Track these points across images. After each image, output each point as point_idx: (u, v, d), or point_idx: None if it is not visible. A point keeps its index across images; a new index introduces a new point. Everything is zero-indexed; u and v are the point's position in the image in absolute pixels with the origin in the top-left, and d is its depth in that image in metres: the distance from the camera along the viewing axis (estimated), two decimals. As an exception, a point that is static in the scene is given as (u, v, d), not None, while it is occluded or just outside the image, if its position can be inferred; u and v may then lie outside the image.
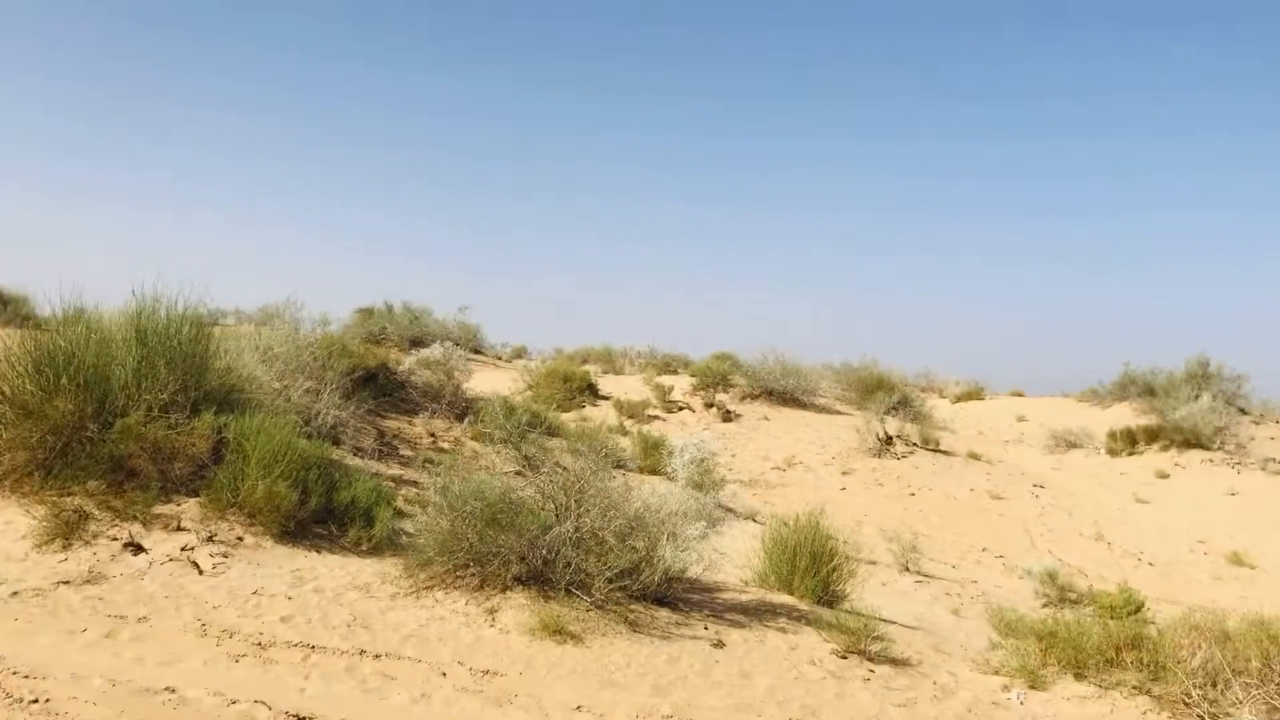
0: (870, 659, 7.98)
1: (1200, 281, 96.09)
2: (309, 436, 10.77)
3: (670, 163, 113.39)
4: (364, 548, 9.23)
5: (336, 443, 13.19)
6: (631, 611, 8.15)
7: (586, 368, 31.02)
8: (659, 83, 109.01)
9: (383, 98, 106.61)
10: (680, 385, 28.10)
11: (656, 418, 24.98)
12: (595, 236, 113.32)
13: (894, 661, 8.10)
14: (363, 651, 6.82)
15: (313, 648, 6.78)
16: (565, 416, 21.62)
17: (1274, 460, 24.95)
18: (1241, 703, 6.68)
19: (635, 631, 7.86)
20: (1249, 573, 16.95)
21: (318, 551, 9.02)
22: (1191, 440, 25.73)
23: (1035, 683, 7.74)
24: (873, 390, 27.64)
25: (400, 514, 10.47)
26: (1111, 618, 10.16)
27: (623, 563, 8.15)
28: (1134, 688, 7.41)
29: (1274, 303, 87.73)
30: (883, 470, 21.94)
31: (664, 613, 8.42)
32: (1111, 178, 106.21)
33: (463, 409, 17.52)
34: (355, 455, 13.49)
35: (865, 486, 20.88)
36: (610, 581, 8.03)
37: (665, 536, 8.70)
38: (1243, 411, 29.21)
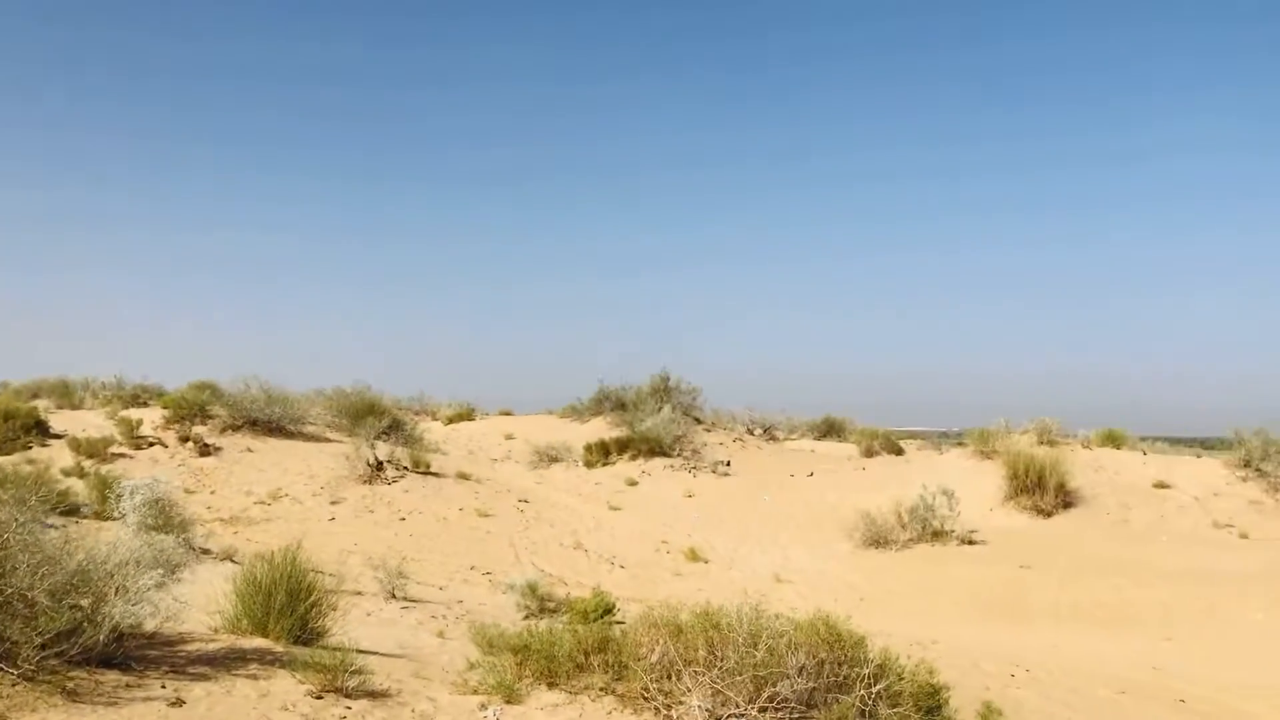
0: (348, 695, 7.67)
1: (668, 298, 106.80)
2: None
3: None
4: None
5: None
6: (71, 679, 7.14)
7: (36, 403, 27.44)
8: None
9: None
10: (152, 419, 25.74)
11: (123, 455, 22.67)
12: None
13: (372, 694, 7.86)
14: None
15: None
16: (3, 460, 18.87)
17: (722, 463, 28.13)
18: (690, 690, 7.26)
19: (75, 702, 6.89)
20: (703, 566, 18.87)
21: None
22: (656, 449, 28.26)
23: (511, 697, 7.89)
24: (363, 416, 27.24)
25: None
26: (584, 622, 10.71)
27: (60, 625, 7.12)
28: (601, 689, 7.81)
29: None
30: (374, 497, 21.64)
31: (113, 675, 7.48)
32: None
33: None
34: None
35: (356, 515, 20.46)
36: (43, 648, 6.97)
37: (114, 590, 7.75)
38: (698, 421, 32.67)
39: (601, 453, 28.60)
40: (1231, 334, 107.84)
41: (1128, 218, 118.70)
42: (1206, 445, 30.85)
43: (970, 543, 20.05)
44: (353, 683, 7.74)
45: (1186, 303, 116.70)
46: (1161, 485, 23.62)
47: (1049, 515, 22.49)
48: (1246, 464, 23.62)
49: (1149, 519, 22.26)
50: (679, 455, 28.54)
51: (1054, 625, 15.11)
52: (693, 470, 27.64)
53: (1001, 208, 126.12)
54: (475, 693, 8.15)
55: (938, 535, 20.12)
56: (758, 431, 35.57)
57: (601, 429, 31.75)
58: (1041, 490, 22.74)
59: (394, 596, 14.11)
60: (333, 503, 21.01)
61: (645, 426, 29.08)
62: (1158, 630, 14.51)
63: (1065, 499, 22.87)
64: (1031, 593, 16.73)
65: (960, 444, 29.95)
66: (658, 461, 28.02)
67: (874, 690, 7.17)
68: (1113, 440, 27.08)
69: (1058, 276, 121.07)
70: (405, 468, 23.70)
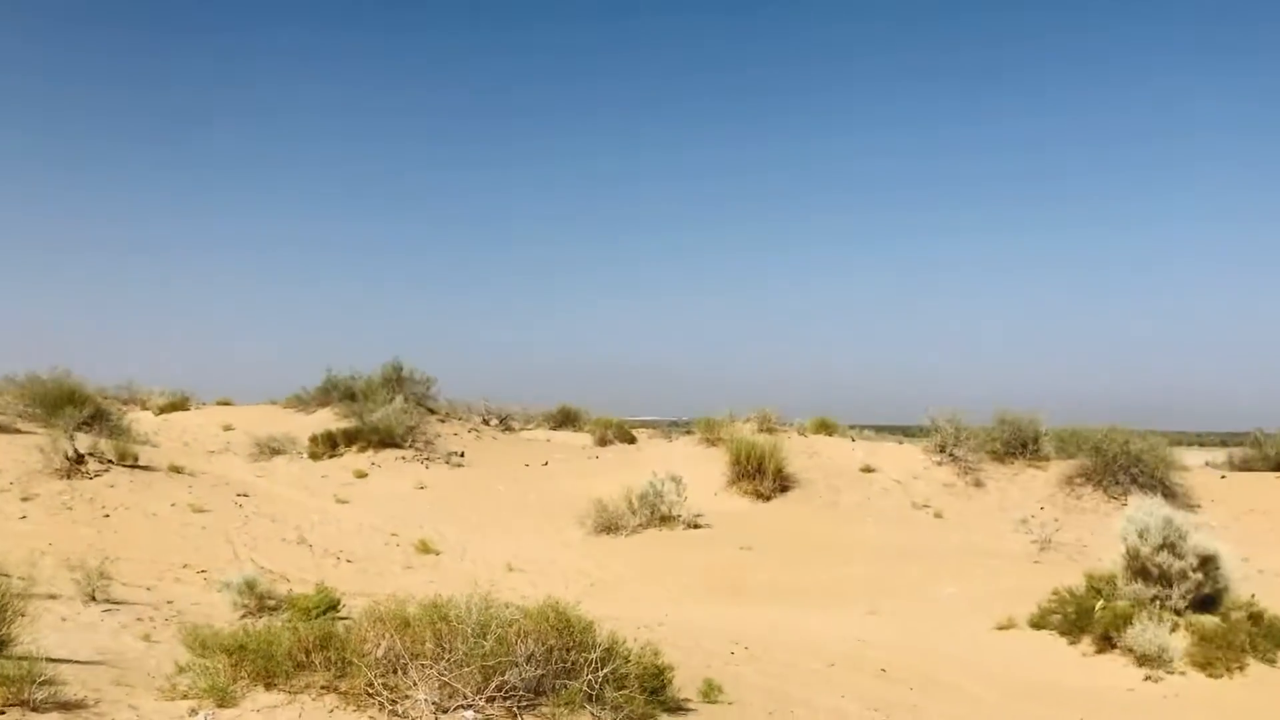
0: (35, 709, 6.99)
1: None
2: None
3: None
4: None
5: None
6: None
7: None
8: None
9: None
10: None
11: None
12: None
13: (65, 706, 7.20)
14: None
15: None
16: None
17: (456, 454, 27.84)
18: (417, 684, 7.11)
19: None
20: (434, 559, 18.58)
21: None
22: (387, 440, 27.62)
23: (225, 700, 7.44)
24: (61, 404, 25.03)
25: None
26: (306, 619, 10.28)
27: None
28: (323, 688, 7.50)
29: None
30: (73, 492, 19.90)
31: None
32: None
33: None
34: None
35: (51, 512, 18.75)
36: None
37: None
38: (431, 411, 32.18)
39: (328, 444, 27.61)
40: (931, 330, 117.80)
41: (835, 219, 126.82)
42: (908, 432, 33.42)
43: (696, 526, 20.79)
44: (41, 695, 7.07)
45: (895, 303, 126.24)
46: (868, 469, 25.39)
47: (768, 499, 23.69)
48: (941, 449, 25.77)
49: (857, 500, 23.89)
50: (411, 446, 27.98)
51: (772, 603, 15.90)
52: (425, 461, 27.18)
53: (725, 208, 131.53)
54: (185, 698, 7.65)
55: (666, 520, 20.72)
56: (493, 422, 35.42)
57: (328, 420, 30.67)
58: (761, 475, 23.92)
59: (94, 599, 13.02)
60: (23, 500, 19.16)
61: (376, 417, 28.30)
62: (864, 605, 15.55)
63: (783, 483, 24.16)
64: (752, 573, 17.54)
65: (689, 432, 30.99)
66: (389, 453, 27.36)
67: (601, 674, 7.27)
68: (825, 428, 28.84)
69: (773, 278, 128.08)
70: (110, 461, 21.94)
